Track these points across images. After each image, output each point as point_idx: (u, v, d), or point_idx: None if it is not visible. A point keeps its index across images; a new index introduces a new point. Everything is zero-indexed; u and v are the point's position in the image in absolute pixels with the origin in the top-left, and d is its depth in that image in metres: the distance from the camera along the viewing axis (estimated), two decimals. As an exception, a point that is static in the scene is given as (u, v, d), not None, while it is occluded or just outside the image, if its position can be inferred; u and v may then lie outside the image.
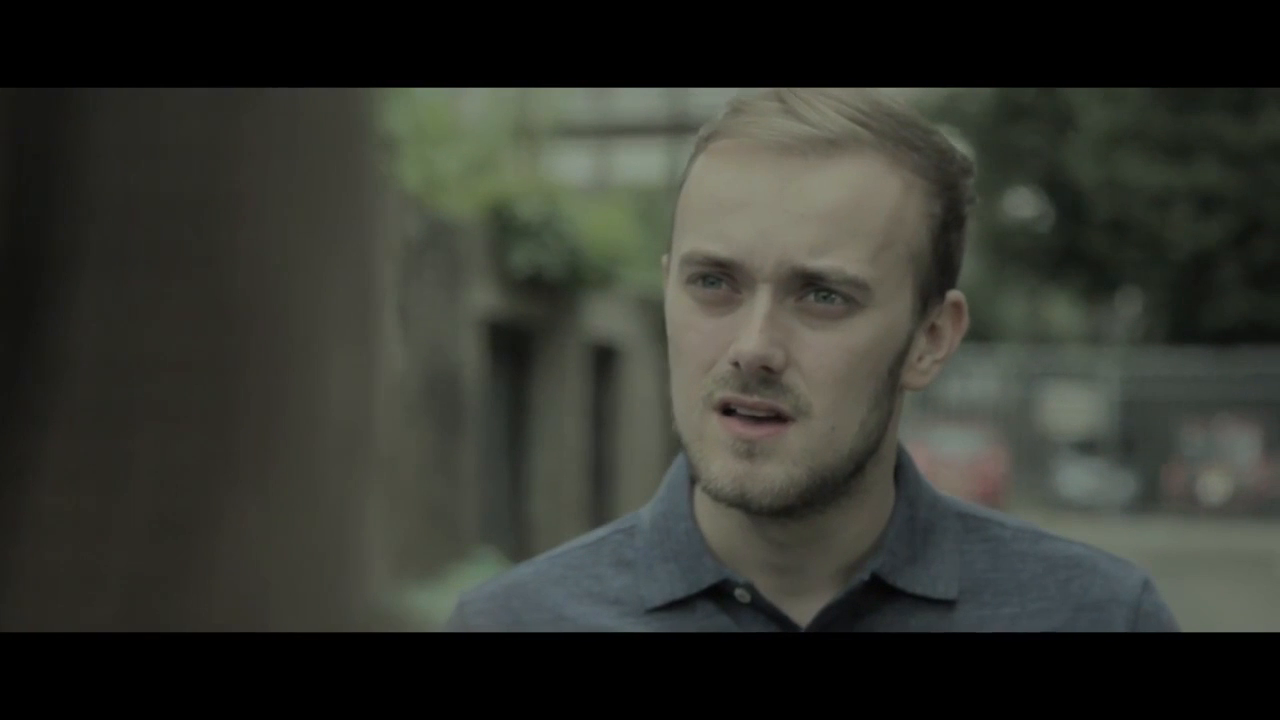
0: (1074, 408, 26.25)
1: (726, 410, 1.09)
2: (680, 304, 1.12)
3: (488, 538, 11.02)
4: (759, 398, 1.08)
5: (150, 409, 0.31)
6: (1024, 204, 28.30)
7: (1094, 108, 25.31)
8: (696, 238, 1.10)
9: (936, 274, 1.13)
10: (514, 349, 12.48)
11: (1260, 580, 15.59)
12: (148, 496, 0.31)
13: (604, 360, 14.79)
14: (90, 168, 0.31)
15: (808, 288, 1.08)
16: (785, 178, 1.08)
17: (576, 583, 1.19)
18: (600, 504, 14.31)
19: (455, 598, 1.24)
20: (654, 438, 15.98)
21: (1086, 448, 25.95)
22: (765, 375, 1.07)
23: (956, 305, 1.16)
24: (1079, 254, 26.98)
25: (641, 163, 31.01)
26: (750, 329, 1.07)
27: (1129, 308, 29.73)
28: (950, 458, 22.65)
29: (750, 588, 1.13)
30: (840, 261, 1.08)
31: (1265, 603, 13.24)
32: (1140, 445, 25.32)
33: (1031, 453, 26.12)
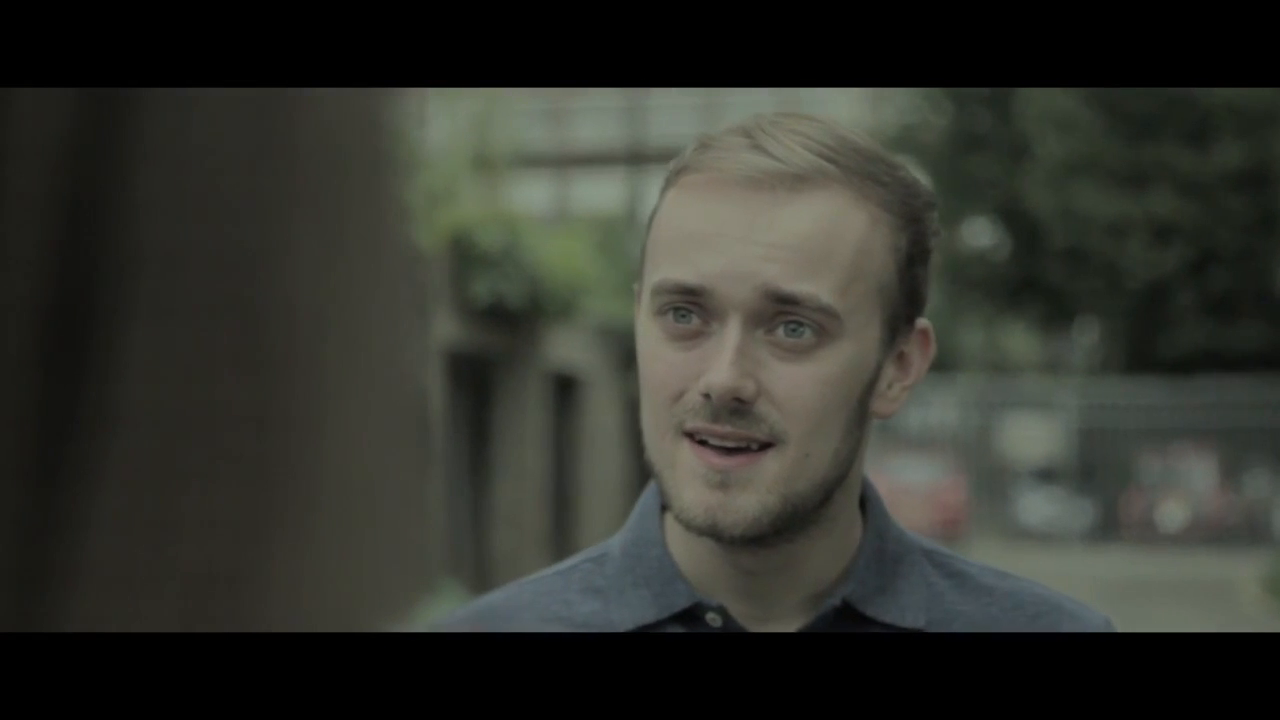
0: (1032, 436, 26.36)
1: (698, 439, 1.10)
2: (650, 334, 1.13)
3: (450, 569, 10.96)
4: (730, 428, 1.09)
5: (197, 461, 0.32)
6: (981, 233, 28.45)
7: (1049, 138, 25.48)
8: (667, 267, 1.12)
9: (904, 305, 1.15)
10: (474, 379, 12.43)
11: (1219, 608, 15.66)
12: (195, 548, 0.32)
13: (565, 390, 14.75)
14: (136, 220, 0.31)
15: (778, 318, 1.10)
16: (755, 211, 1.10)
17: (545, 608, 1.20)
18: (562, 534, 14.26)
19: (427, 626, 1.24)
20: (615, 468, 15.94)
21: (1045, 476, 26.05)
22: (736, 406, 1.09)
23: (924, 333, 1.18)
24: (1036, 283, 27.12)
25: (600, 192, 31.05)
26: (721, 360, 1.09)
27: (1086, 336, 29.91)
28: (909, 486, 22.68)
29: (723, 611, 1.15)
30: (814, 289, 1.09)
31: (1224, 630, 13.27)
32: (1098, 473, 25.44)
33: (990, 481, 26.19)
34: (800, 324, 1.10)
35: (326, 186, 0.33)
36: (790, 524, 1.11)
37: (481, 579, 11.92)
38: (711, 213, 1.11)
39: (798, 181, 1.10)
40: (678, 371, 1.11)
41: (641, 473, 16.93)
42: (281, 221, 0.32)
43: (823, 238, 1.10)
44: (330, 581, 0.34)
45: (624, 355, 15.97)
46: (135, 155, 0.32)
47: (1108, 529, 25.10)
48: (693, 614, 1.15)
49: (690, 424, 1.10)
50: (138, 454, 0.31)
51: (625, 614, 1.17)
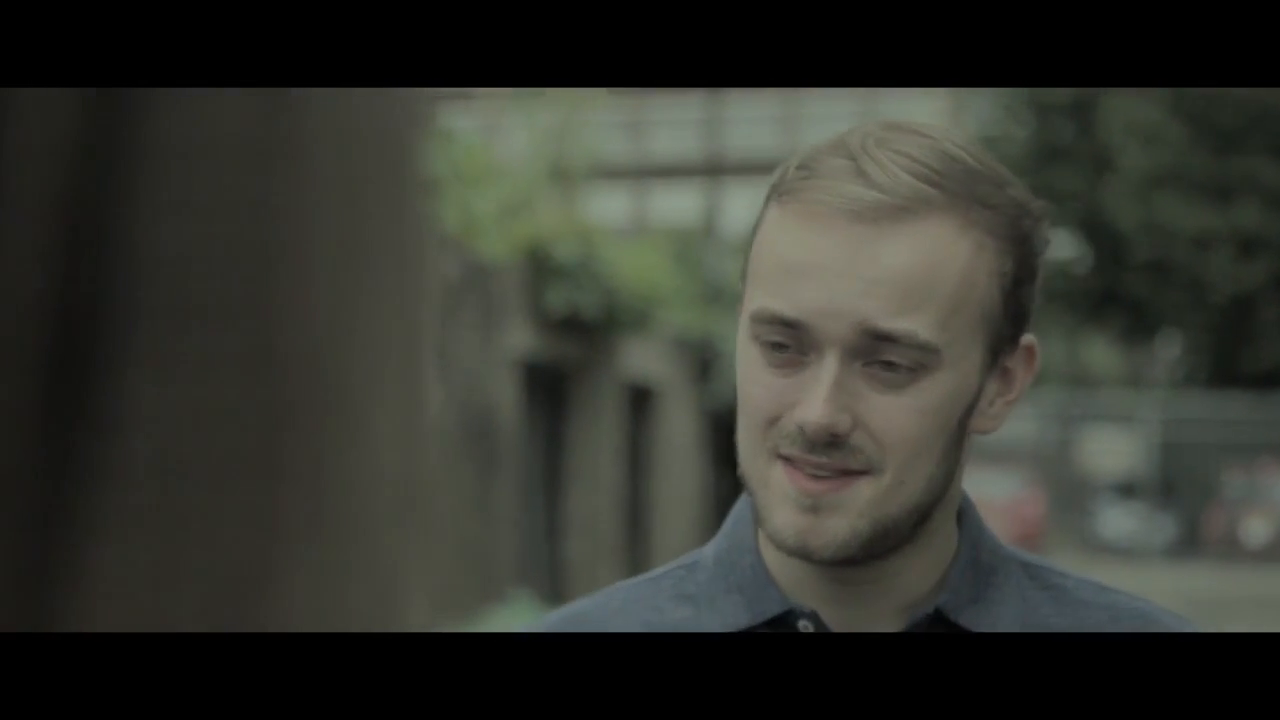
0: (1113, 450, 26.07)
1: (790, 460, 1.10)
2: (748, 356, 1.13)
3: (523, 579, 10.99)
4: (824, 458, 1.09)
5: (207, 460, 0.32)
6: (1063, 246, 28.19)
7: (1133, 149, 25.23)
8: (764, 296, 1.11)
9: (1008, 327, 1.14)
10: (550, 390, 12.47)
11: (1303, 625, 15.42)
12: (207, 548, 0.32)
13: (640, 401, 14.77)
14: (145, 220, 0.32)
15: (874, 354, 1.09)
16: (856, 244, 1.08)
17: (635, 614, 1.21)
18: (636, 545, 14.27)
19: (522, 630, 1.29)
20: (691, 479, 15.94)
21: (1126, 490, 25.77)
22: (831, 439, 1.09)
23: (1029, 348, 1.17)
24: (1118, 296, 26.86)
25: (678, 204, 31.04)
26: (816, 396, 1.08)
27: (1169, 350, 29.58)
28: (988, 499, 22.46)
29: (815, 618, 1.15)
30: (913, 325, 1.08)
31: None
32: (1180, 488, 25.12)
33: (1070, 495, 25.93)
34: (895, 362, 1.09)
35: (342, 187, 0.33)
36: (882, 546, 1.12)
37: (555, 589, 11.95)
38: (811, 244, 1.09)
39: (900, 212, 1.09)
40: (774, 397, 1.11)
41: (715, 482, 16.76)
42: (293, 221, 0.32)
43: (924, 271, 1.09)
44: (351, 582, 0.33)
45: (699, 366, 15.96)
46: (143, 155, 0.31)
47: (1189, 544, 24.77)
48: (785, 621, 1.16)
49: (785, 450, 1.10)
50: (149, 453, 0.31)
51: (717, 620, 1.18)
